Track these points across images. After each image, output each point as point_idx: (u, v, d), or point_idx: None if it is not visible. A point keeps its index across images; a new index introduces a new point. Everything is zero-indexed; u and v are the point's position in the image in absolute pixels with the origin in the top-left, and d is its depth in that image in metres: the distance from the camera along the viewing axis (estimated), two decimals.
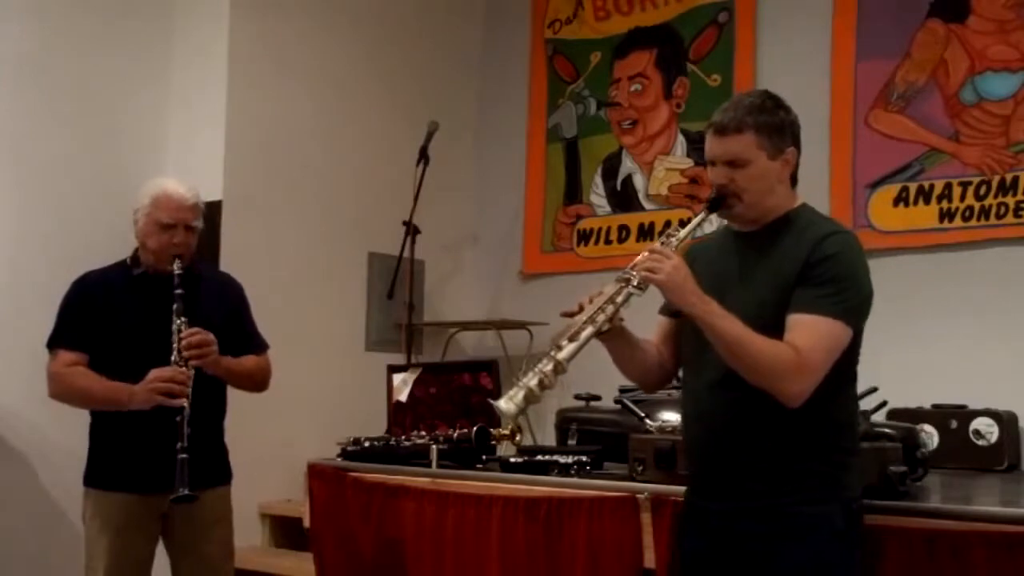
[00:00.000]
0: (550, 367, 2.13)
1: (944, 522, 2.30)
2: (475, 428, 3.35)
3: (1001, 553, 2.19)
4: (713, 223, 2.67)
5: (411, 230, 4.73)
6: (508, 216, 5.57)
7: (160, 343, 2.86)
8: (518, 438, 3.44)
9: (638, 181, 5.17)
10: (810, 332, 2.04)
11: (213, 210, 4.21)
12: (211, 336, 2.89)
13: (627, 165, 5.21)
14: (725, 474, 2.19)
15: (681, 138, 5.03)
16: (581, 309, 2.20)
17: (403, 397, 3.96)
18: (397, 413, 3.98)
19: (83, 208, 4.35)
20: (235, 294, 3.22)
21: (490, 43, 5.79)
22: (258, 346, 3.19)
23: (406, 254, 4.75)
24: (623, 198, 5.20)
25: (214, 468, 3.07)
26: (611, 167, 5.26)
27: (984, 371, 3.95)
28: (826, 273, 2.07)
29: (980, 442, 3.70)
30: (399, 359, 4.69)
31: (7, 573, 3.96)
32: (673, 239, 2.24)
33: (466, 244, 5.69)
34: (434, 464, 3.28)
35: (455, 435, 3.36)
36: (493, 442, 3.38)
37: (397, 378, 4.03)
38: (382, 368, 4.18)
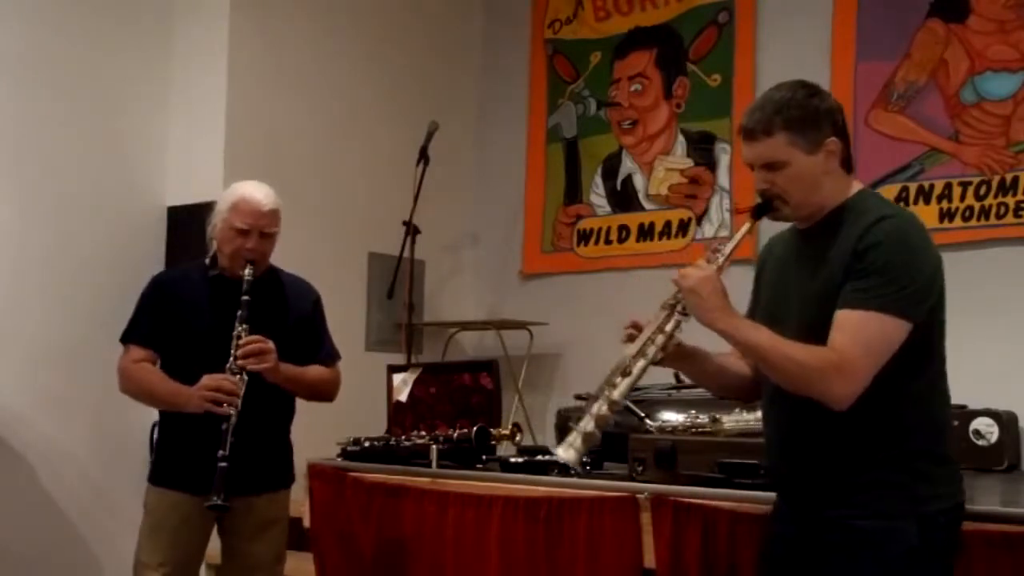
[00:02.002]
0: (605, 408, 2.07)
1: None
2: (475, 428, 3.34)
3: (1001, 553, 2.19)
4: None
5: (411, 230, 4.73)
6: (508, 216, 5.57)
7: (229, 347, 2.88)
8: (518, 438, 3.44)
9: (638, 181, 5.17)
10: (852, 330, 1.94)
11: (213, 210, 4.20)
12: (269, 344, 2.88)
13: (627, 165, 5.22)
14: (798, 483, 2.14)
15: (681, 138, 5.03)
16: (637, 329, 2.14)
17: (403, 397, 3.96)
18: (397, 413, 3.98)
19: (83, 208, 4.35)
20: (310, 302, 3.22)
21: (490, 43, 5.79)
22: (327, 356, 3.18)
23: (406, 254, 4.75)
24: (623, 198, 5.20)
25: (275, 471, 3.09)
26: (611, 167, 5.26)
27: (984, 371, 3.93)
28: (871, 264, 1.95)
29: (980, 442, 3.70)
30: (399, 359, 4.69)
31: (7, 573, 3.96)
32: (720, 254, 2.14)
33: (466, 244, 5.69)
34: (434, 464, 3.28)
35: (455, 435, 3.35)
36: (493, 442, 3.38)
37: (397, 378, 4.03)
38: (382, 368, 4.18)
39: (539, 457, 3.01)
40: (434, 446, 3.31)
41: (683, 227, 4.96)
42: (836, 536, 2.02)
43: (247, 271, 2.95)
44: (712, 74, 4.95)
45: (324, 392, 3.17)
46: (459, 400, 3.83)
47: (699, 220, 4.93)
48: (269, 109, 4.75)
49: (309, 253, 4.87)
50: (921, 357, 2.03)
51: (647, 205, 5.12)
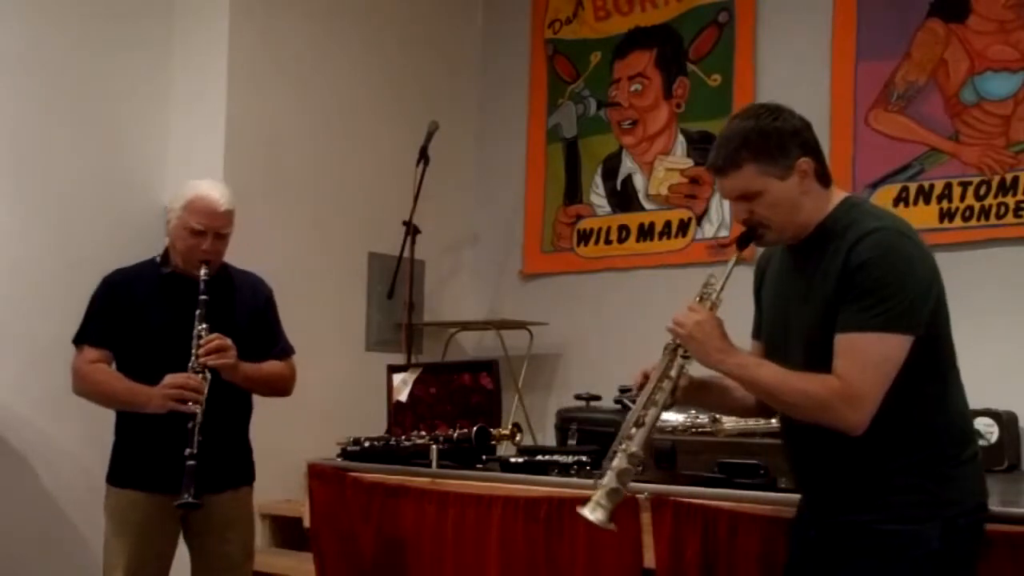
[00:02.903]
0: (626, 462, 2.06)
1: None
2: (475, 428, 3.34)
3: (1001, 553, 2.19)
4: None
5: (411, 230, 4.73)
6: (508, 216, 5.56)
7: (184, 345, 2.88)
8: (518, 438, 3.44)
9: (638, 181, 5.16)
10: (854, 355, 1.93)
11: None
12: (228, 342, 2.89)
13: (627, 165, 5.21)
14: (816, 489, 2.15)
15: (681, 138, 5.03)
16: (646, 379, 2.14)
17: (403, 397, 3.96)
18: (397, 413, 3.98)
19: (83, 209, 4.35)
20: (263, 298, 3.22)
21: (490, 43, 5.79)
22: (281, 351, 3.18)
23: (406, 254, 4.75)
24: (623, 198, 5.20)
25: (237, 469, 3.09)
26: (611, 167, 5.26)
27: (984, 371, 3.92)
28: (863, 283, 1.95)
29: (980, 442, 3.69)
30: (399, 359, 4.69)
31: (7, 573, 3.96)
32: (711, 291, 2.15)
33: (466, 244, 5.69)
34: (434, 464, 3.28)
35: (455, 435, 3.36)
36: (493, 442, 3.38)
37: (397, 378, 4.03)
38: (382, 368, 4.18)
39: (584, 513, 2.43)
40: (434, 446, 3.31)
41: (683, 227, 4.96)
42: (861, 541, 2.01)
43: (203, 271, 2.94)
44: (712, 74, 4.95)
45: (281, 387, 3.18)
46: (459, 400, 3.83)
47: (699, 220, 4.93)
48: (269, 109, 4.75)
49: (310, 253, 4.89)
50: (931, 361, 2.02)
51: (647, 205, 5.12)
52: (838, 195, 2.13)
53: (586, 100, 5.38)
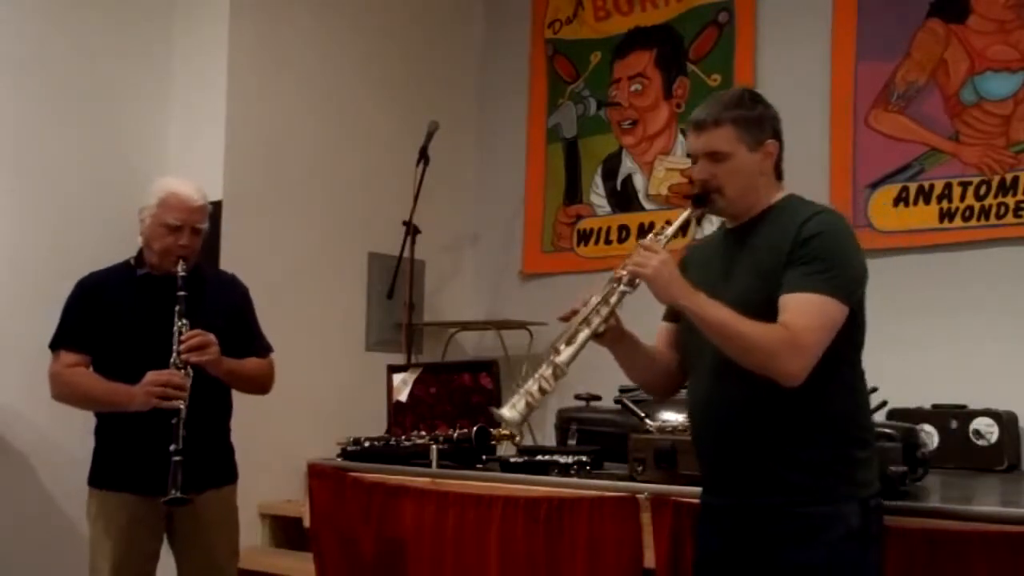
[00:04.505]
0: (549, 371, 2.17)
1: (944, 522, 2.30)
2: (475, 428, 3.34)
3: (1001, 553, 2.19)
4: (713, 223, 2.67)
5: (411, 230, 4.73)
6: (508, 216, 5.57)
7: (163, 344, 2.86)
8: (518, 438, 3.44)
9: (638, 181, 5.17)
10: (801, 309, 2.02)
11: (213, 210, 4.21)
12: (211, 337, 2.89)
13: (627, 165, 5.22)
14: (731, 472, 2.18)
15: (681, 138, 5.03)
16: (575, 313, 2.22)
17: (403, 397, 3.96)
18: (397, 413, 3.98)
19: (84, 209, 4.35)
20: (239, 296, 3.21)
21: (490, 43, 5.79)
22: (261, 348, 3.18)
23: (406, 254, 4.75)
24: (623, 198, 5.20)
25: (219, 468, 3.07)
26: (611, 167, 5.26)
27: (984, 371, 3.95)
28: (814, 251, 2.06)
29: (980, 442, 3.70)
30: (399, 359, 4.69)
31: (7, 573, 3.96)
32: (662, 236, 2.26)
33: (466, 244, 5.69)
34: (434, 464, 3.28)
35: (455, 435, 3.35)
36: (493, 442, 3.38)
37: (397, 378, 4.03)
38: (382, 368, 4.18)
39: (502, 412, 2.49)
40: (434, 446, 3.31)
41: (683, 227, 4.94)
42: (782, 526, 2.07)
43: (180, 267, 2.93)
44: (712, 74, 4.95)
45: (261, 384, 3.16)
46: (459, 400, 3.83)
47: (699, 220, 4.92)
48: (269, 109, 4.75)
49: (309, 253, 4.90)
50: (848, 345, 2.11)
51: (647, 205, 5.12)
52: (784, 191, 2.26)
53: (586, 100, 5.38)
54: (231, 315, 3.11)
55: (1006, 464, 3.66)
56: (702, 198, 2.25)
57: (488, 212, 5.67)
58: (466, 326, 5.36)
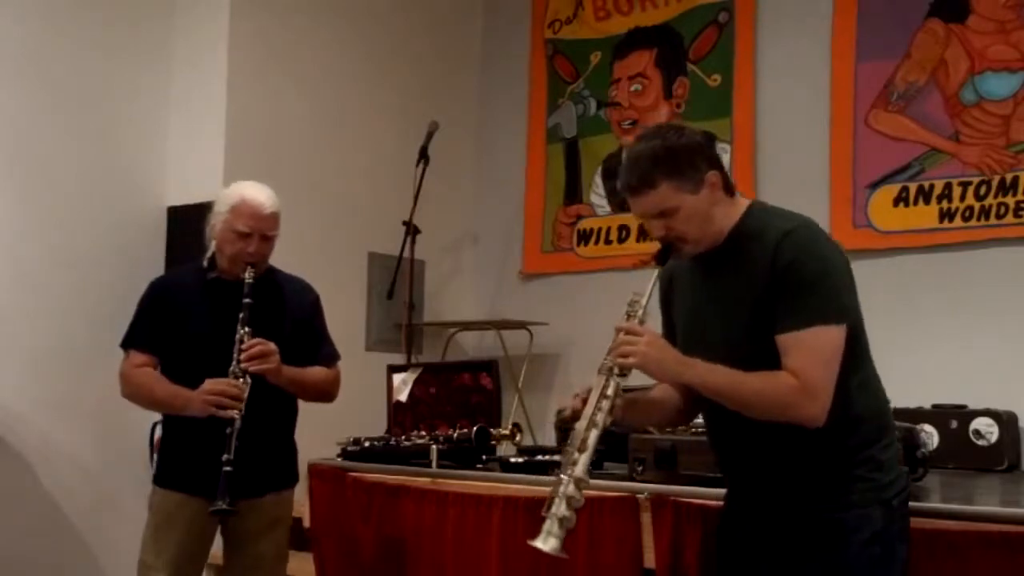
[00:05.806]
0: (572, 487, 2.08)
1: (944, 522, 2.30)
2: (475, 428, 3.35)
3: (1001, 553, 2.20)
4: None
5: (411, 230, 4.73)
6: (508, 216, 5.57)
7: (227, 350, 2.86)
8: (518, 438, 3.44)
9: None
10: (802, 350, 1.99)
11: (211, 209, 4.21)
12: (272, 347, 2.87)
13: None
14: (753, 480, 2.17)
15: None
16: (575, 411, 2.15)
17: (403, 397, 3.96)
18: (397, 413, 3.98)
19: (84, 208, 4.35)
20: (309, 303, 3.20)
21: (490, 43, 5.79)
22: (327, 356, 3.17)
23: (406, 254, 4.75)
24: (623, 198, 5.19)
25: (280, 471, 3.08)
26: (611, 167, 5.25)
27: (984, 371, 3.94)
28: (796, 279, 2.01)
29: (980, 442, 3.70)
30: (399, 359, 4.69)
31: (8, 573, 3.96)
32: (638, 309, 2.17)
33: (466, 244, 5.69)
34: (434, 464, 3.28)
35: (455, 435, 3.36)
36: (493, 442, 3.39)
37: (397, 378, 4.03)
38: (382, 368, 4.18)
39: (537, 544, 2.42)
40: (434, 446, 3.31)
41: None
42: (811, 530, 2.06)
43: (248, 274, 2.94)
44: (712, 74, 4.95)
45: (325, 393, 3.17)
46: (459, 400, 3.83)
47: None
48: (269, 109, 4.75)
49: (309, 253, 4.88)
50: (855, 349, 2.08)
51: None
52: (743, 203, 2.20)
53: (586, 100, 5.38)
54: (298, 322, 3.10)
55: (1006, 464, 3.66)
56: (667, 252, 2.19)
57: (488, 212, 5.67)
58: (466, 326, 5.36)
